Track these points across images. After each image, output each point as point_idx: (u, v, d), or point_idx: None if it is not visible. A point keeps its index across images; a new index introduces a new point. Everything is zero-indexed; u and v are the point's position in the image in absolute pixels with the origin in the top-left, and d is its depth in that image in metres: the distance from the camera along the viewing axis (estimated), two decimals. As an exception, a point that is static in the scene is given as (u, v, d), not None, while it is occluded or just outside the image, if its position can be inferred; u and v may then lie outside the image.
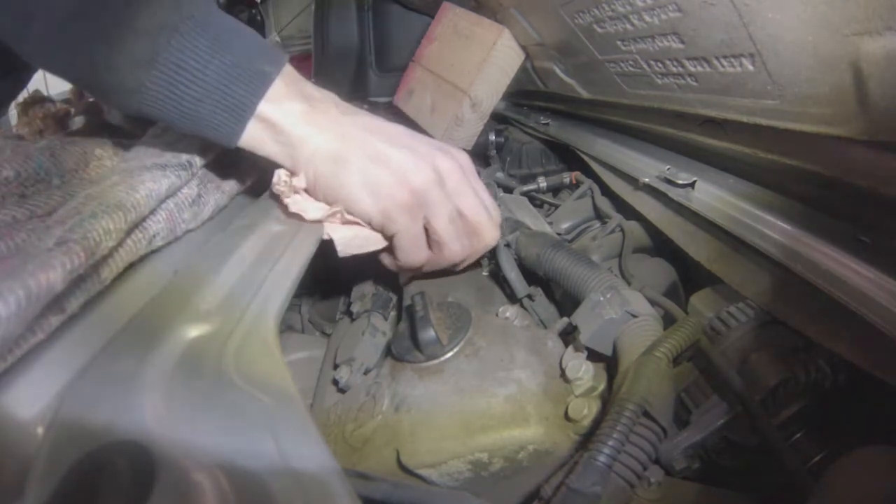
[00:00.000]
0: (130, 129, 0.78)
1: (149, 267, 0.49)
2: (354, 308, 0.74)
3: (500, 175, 1.10)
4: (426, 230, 0.60)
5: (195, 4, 0.48)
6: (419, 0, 1.50)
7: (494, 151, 1.27)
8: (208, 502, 0.28)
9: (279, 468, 0.30)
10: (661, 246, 0.76)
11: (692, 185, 0.62)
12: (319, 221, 0.58)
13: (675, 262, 0.71)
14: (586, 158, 0.92)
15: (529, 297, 0.64)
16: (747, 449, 0.45)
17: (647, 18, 0.56)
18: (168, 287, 0.45)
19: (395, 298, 0.76)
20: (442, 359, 0.54)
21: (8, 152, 0.52)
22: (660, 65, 0.61)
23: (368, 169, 0.55)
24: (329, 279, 0.90)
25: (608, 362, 0.52)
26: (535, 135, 1.16)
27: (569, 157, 1.11)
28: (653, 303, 0.54)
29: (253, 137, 0.54)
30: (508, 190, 1.02)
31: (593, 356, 0.52)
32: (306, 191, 0.58)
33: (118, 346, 0.38)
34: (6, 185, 0.47)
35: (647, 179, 0.70)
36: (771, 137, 0.52)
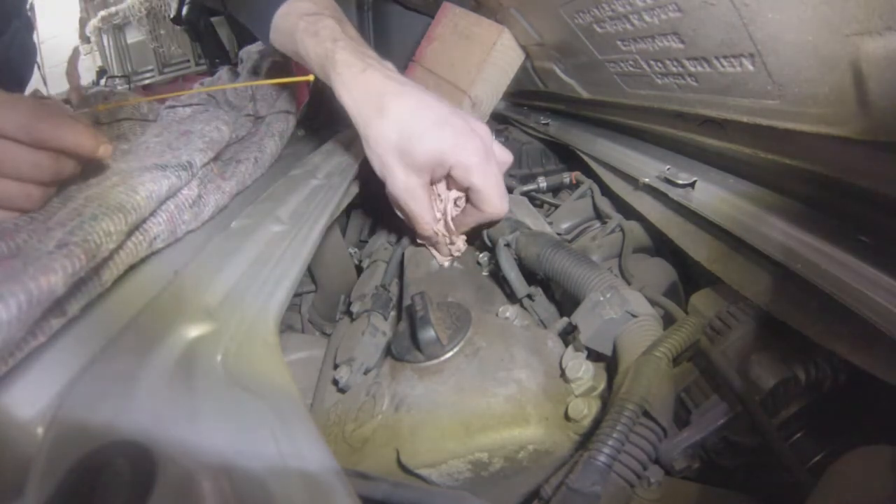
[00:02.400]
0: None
1: (149, 267, 0.49)
2: (354, 308, 0.74)
3: (500, 175, 1.10)
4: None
5: None
6: (419, 0, 1.50)
7: (494, 151, 1.26)
8: (208, 502, 0.28)
9: (279, 468, 0.30)
10: (661, 246, 0.76)
11: (692, 185, 0.62)
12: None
13: (675, 262, 0.71)
14: (586, 158, 0.92)
15: (529, 297, 0.64)
16: (747, 449, 0.45)
17: (647, 18, 0.56)
18: (168, 288, 0.45)
19: (395, 298, 0.76)
20: (442, 359, 0.54)
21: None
22: (660, 65, 0.61)
23: (446, 119, 0.57)
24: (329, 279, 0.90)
25: (608, 362, 0.52)
26: (535, 135, 1.16)
27: (569, 157, 1.11)
28: (653, 303, 0.54)
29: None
30: (508, 190, 1.02)
31: (593, 356, 0.52)
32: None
33: (118, 347, 0.38)
34: None
35: (647, 179, 0.70)
36: (771, 137, 0.52)
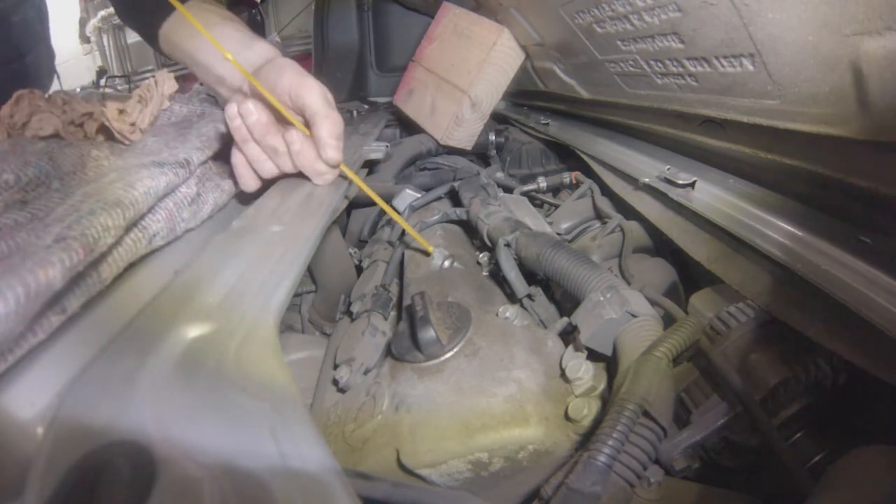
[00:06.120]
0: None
1: (149, 267, 0.49)
2: (354, 308, 0.74)
3: (500, 175, 1.10)
4: None
5: None
6: (419, 0, 1.51)
7: (494, 151, 1.27)
8: (208, 502, 0.28)
9: (279, 468, 0.30)
10: (661, 246, 0.76)
11: (692, 185, 0.62)
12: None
13: (675, 262, 0.71)
14: (586, 158, 0.92)
15: (529, 297, 0.64)
16: (747, 449, 0.45)
17: (647, 18, 0.56)
18: (168, 287, 0.45)
19: (395, 298, 0.76)
20: (442, 359, 0.54)
21: (6, 147, 0.52)
22: (660, 65, 0.61)
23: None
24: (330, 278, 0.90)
25: (608, 362, 0.52)
26: (535, 135, 1.16)
27: (569, 157, 1.11)
28: (653, 303, 0.54)
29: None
30: (508, 190, 1.02)
31: (593, 356, 0.52)
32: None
33: (118, 346, 0.38)
34: (7, 190, 0.47)
35: (647, 179, 0.70)
36: (771, 137, 0.52)
